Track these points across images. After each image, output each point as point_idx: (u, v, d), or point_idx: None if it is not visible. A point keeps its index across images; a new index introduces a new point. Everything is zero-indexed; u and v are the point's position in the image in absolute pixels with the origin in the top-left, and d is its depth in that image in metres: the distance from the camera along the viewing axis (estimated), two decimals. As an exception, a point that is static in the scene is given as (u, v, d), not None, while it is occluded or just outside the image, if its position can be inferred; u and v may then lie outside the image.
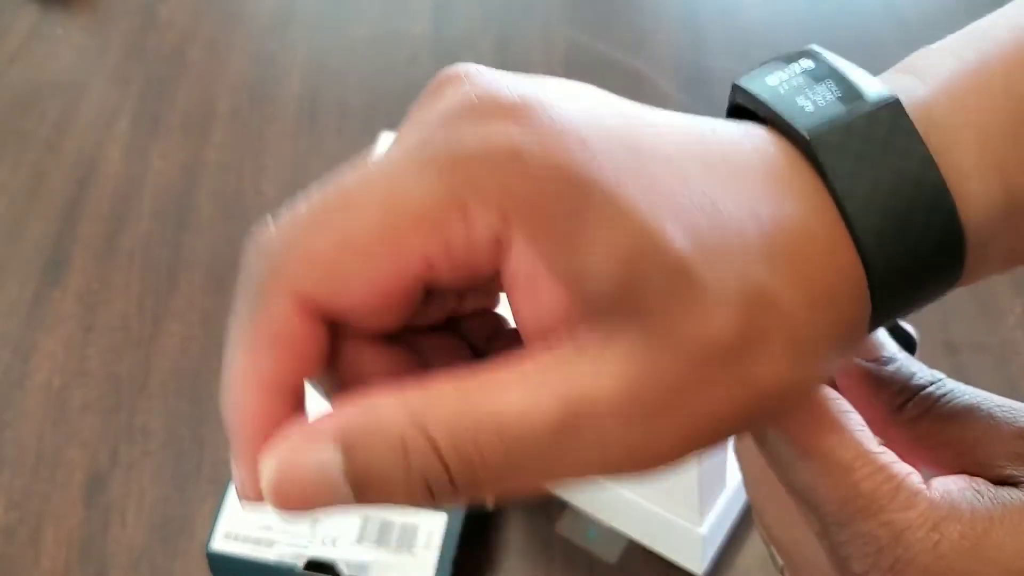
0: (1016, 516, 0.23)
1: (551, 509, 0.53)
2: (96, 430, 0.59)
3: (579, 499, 0.52)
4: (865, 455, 0.24)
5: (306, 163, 0.74)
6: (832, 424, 0.24)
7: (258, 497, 0.22)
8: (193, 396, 0.60)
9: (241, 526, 0.49)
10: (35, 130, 0.78)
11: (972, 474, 0.25)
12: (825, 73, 0.23)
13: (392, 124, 0.70)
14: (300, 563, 0.47)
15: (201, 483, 0.56)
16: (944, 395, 0.26)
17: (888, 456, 0.24)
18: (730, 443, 0.33)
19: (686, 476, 0.43)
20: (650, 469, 0.21)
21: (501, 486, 0.21)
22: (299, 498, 0.20)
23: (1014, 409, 0.26)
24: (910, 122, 0.22)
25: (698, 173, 0.21)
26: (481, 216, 0.20)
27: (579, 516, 0.52)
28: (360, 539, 0.48)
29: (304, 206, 0.22)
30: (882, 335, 0.28)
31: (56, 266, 0.68)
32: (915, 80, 0.24)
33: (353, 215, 0.21)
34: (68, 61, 0.85)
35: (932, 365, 0.56)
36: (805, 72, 0.23)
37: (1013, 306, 0.60)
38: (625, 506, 0.49)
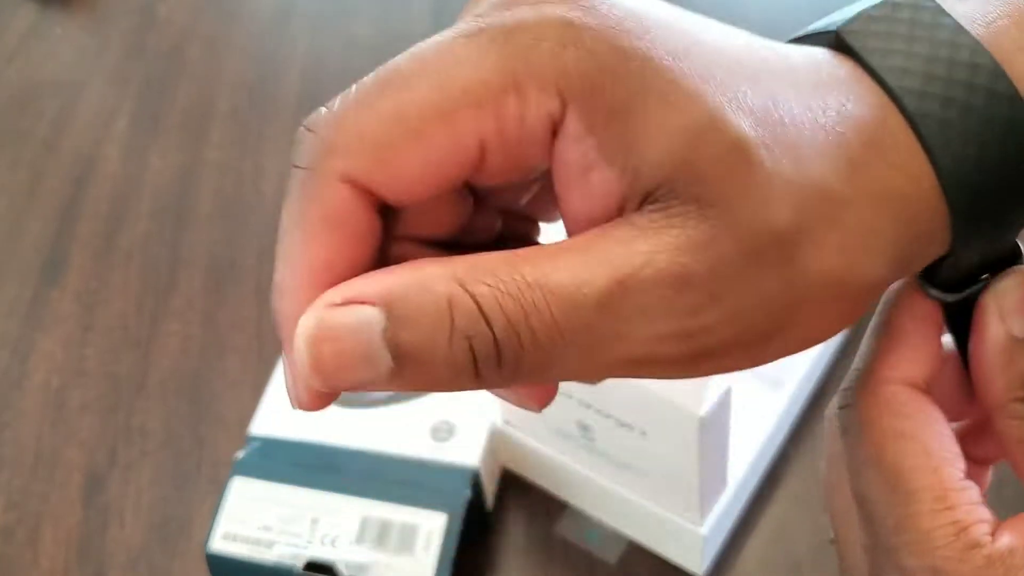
0: None
1: (551, 509, 0.53)
2: (95, 430, 0.59)
3: (579, 499, 0.52)
4: (936, 488, 0.23)
5: (305, 162, 0.74)
6: (916, 444, 0.23)
7: (309, 396, 0.21)
8: (192, 396, 0.60)
9: (240, 527, 0.49)
10: (33, 129, 0.78)
11: None
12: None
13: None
14: (299, 564, 0.47)
15: (200, 483, 0.56)
16: None
17: (964, 496, 0.23)
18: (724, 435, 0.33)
19: (687, 476, 0.43)
20: (698, 362, 0.20)
21: (545, 361, 0.19)
22: (336, 363, 0.19)
23: None
24: (950, 17, 0.22)
25: (761, 69, 0.21)
26: (537, 96, 0.20)
27: (579, 516, 0.52)
28: (359, 540, 0.47)
29: (356, 86, 0.20)
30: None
31: (54, 266, 0.68)
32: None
33: (406, 92, 0.20)
34: (66, 60, 0.85)
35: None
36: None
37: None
38: (625, 506, 0.49)
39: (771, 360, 0.22)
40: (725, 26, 0.22)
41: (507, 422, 0.51)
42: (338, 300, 0.19)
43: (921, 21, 0.22)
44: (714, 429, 0.40)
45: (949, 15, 0.22)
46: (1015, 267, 0.23)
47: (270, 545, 0.48)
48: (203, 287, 0.66)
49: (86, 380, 0.62)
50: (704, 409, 0.38)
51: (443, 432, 0.50)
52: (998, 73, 0.21)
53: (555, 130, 0.20)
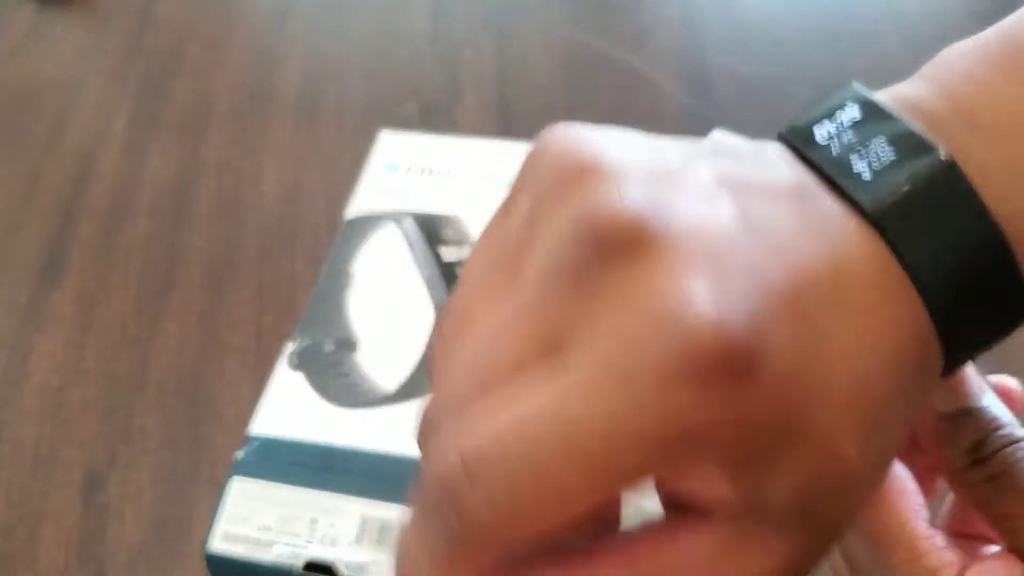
0: None
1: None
2: (94, 429, 0.59)
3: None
4: (907, 541, 0.25)
5: (305, 162, 0.74)
6: (885, 507, 0.26)
7: None
8: (191, 396, 0.60)
9: (239, 527, 0.49)
10: (32, 128, 0.78)
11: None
12: (874, 126, 0.23)
13: (391, 123, 0.70)
14: (299, 564, 0.47)
15: (200, 483, 0.56)
16: (1021, 459, 0.25)
17: (931, 543, 0.25)
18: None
19: None
20: None
21: None
22: None
23: None
24: (967, 184, 0.22)
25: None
26: (694, 472, 0.20)
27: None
28: (359, 540, 0.47)
29: (506, 435, 0.19)
30: (970, 378, 0.27)
31: (53, 266, 0.68)
32: (956, 118, 0.23)
33: (562, 469, 0.19)
34: (65, 59, 0.85)
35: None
36: (854, 125, 0.23)
37: None
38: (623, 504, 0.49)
39: None
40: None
41: None
42: None
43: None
44: None
45: (970, 190, 0.22)
46: None
47: (269, 545, 0.48)
48: (202, 287, 0.66)
49: (85, 379, 0.62)
50: None
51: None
52: (996, 236, 0.22)
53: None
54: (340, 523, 0.48)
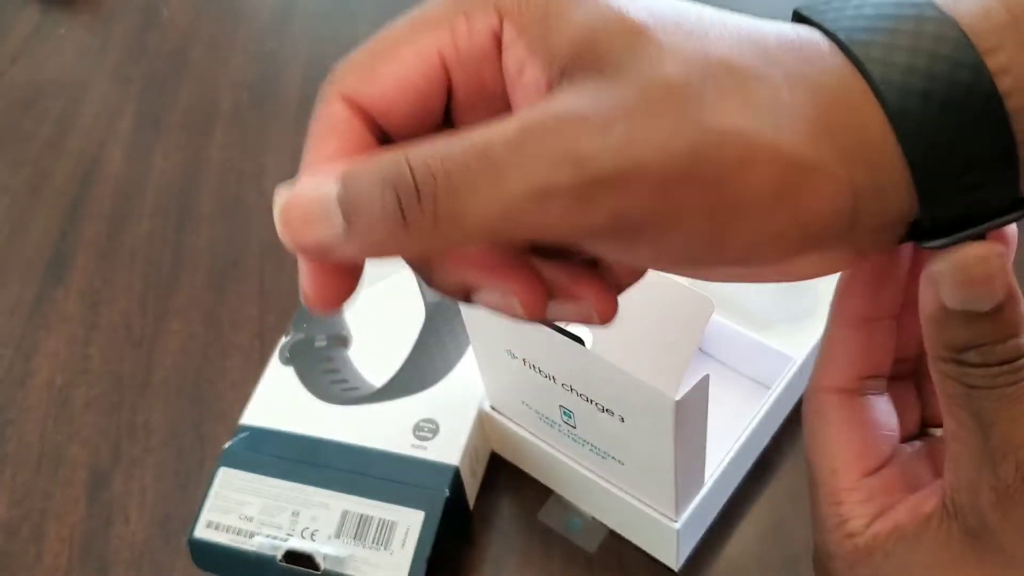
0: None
1: (537, 495, 0.53)
2: (98, 427, 0.59)
3: (562, 487, 0.53)
4: (830, 485, 0.29)
5: (306, 162, 0.74)
6: (823, 447, 0.30)
7: (309, 283, 0.25)
8: (194, 394, 0.61)
9: (223, 516, 0.50)
10: (37, 129, 0.79)
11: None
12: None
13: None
14: (279, 554, 0.48)
15: (202, 480, 0.56)
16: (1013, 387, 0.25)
17: (852, 495, 0.29)
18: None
19: (663, 465, 0.43)
20: (594, 195, 0.22)
21: (458, 200, 0.22)
22: (299, 221, 0.23)
23: None
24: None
25: (703, 14, 0.23)
26: (479, 14, 0.25)
27: (563, 504, 0.53)
28: (338, 534, 0.48)
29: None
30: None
31: (58, 265, 0.69)
32: None
33: (387, 31, 0.26)
34: (70, 60, 0.85)
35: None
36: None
37: None
38: (606, 497, 0.49)
39: (700, 245, 0.23)
40: None
41: (494, 407, 0.52)
42: (305, 176, 0.24)
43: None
44: (690, 415, 0.40)
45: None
46: (968, 245, 0.24)
47: (251, 535, 0.49)
48: (205, 286, 0.67)
49: (90, 378, 0.62)
50: (680, 393, 0.38)
51: (426, 431, 0.51)
52: (963, 43, 0.22)
53: (499, 44, 0.25)
54: (321, 516, 0.49)
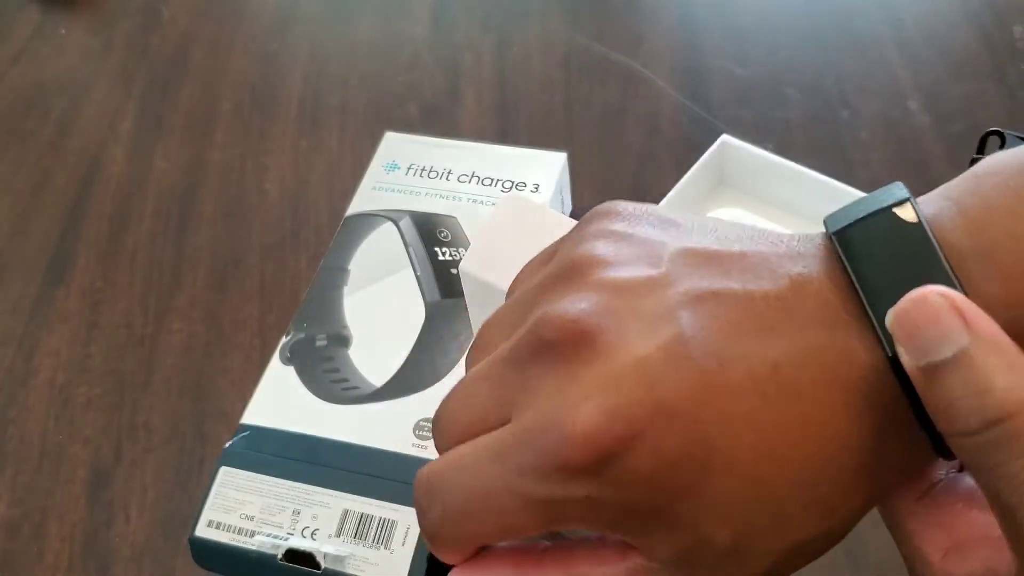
0: None
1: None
2: (99, 427, 0.60)
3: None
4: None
5: (308, 163, 0.74)
6: (910, 538, 0.27)
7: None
8: (195, 393, 0.61)
9: (223, 515, 0.50)
10: (38, 130, 0.79)
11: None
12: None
13: (393, 124, 0.71)
14: (279, 553, 0.48)
15: (203, 479, 0.57)
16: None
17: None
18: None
19: None
20: None
21: None
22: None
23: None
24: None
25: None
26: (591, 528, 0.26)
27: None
28: (339, 533, 0.48)
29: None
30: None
31: (60, 265, 0.69)
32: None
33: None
34: (71, 61, 0.85)
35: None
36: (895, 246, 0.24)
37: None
38: None
39: None
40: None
41: None
42: None
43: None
44: None
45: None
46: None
47: (251, 534, 0.49)
48: (206, 285, 0.67)
49: (91, 377, 0.62)
50: None
51: (427, 430, 0.51)
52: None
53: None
54: (321, 515, 0.49)
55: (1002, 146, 0.66)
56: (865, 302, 0.24)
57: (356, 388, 0.54)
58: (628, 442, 0.23)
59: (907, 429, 0.24)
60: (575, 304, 0.25)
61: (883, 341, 0.23)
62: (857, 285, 0.24)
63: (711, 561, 0.24)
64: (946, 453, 0.24)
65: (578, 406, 0.23)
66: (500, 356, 0.27)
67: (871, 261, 0.24)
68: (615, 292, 0.25)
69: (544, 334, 0.25)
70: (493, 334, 0.28)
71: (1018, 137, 0.67)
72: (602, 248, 0.26)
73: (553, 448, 0.24)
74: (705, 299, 0.25)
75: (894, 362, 0.23)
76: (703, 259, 0.26)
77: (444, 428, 0.28)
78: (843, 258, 0.24)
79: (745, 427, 0.24)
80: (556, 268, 0.27)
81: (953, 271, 0.23)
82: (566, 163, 0.63)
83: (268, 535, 0.49)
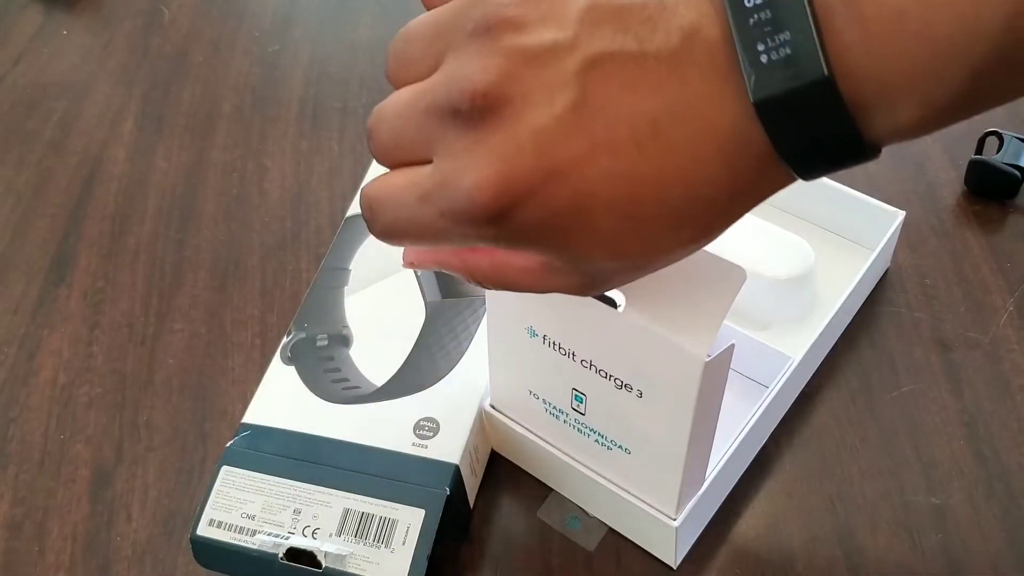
0: None
1: (537, 492, 0.53)
2: (101, 426, 0.60)
3: (562, 486, 0.53)
4: None
5: (308, 163, 0.75)
6: None
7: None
8: (197, 392, 0.61)
9: (225, 515, 0.50)
10: (40, 130, 0.79)
11: None
12: (787, 19, 0.26)
13: (393, 125, 0.71)
14: (280, 552, 0.48)
15: (205, 479, 0.57)
16: None
17: None
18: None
19: (674, 449, 0.43)
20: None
21: None
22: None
23: None
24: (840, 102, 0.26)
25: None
26: None
27: (562, 502, 0.53)
28: (340, 532, 0.49)
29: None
30: None
31: (61, 265, 0.69)
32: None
33: None
34: (73, 62, 0.86)
35: (924, 362, 0.56)
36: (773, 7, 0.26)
37: (1006, 304, 0.61)
38: (606, 495, 0.50)
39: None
40: None
41: (494, 406, 0.52)
42: None
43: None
44: (713, 385, 0.40)
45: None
46: None
47: (253, 533, 0.49)
48: (208, 286, 0.67)
49: (92, 377, 0.62)
50: (709, 354, 0.38)
51: (427, 430, 0.51)
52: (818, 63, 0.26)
53: None
54: (322, 514, 0.49)
55: (1000, 146, 0.67)
56: (738, 48, 0.26)
57: (356, 388, 0.54)
58: (521, 199, 0.28)
59: (769, 163, 0.28)
60: (486, 75, 0.28)
61: (747, 85, 0.26)
62: (733, 32, 0.26)
63: (596, 270, 0.31)
64: (805, 176, 0.28)
65: (481, 169, 0.28)
66: (421, 106, 0.30)
67: (745, 10, 0.26)
68: (522, 61, 0.28)
69: (457, 103, 0.29)
70: (415, 51, 0.32)
71: (1017, 138, 0.67)
72: (513, 9, 0.29)
73: (463, 202, 0.29)
74: (603, 62, 0.28)
75: (758, 106, 0.26)
76: (607, 14, 0.28)
77: (378, 149, 0.33)
78: (727, 5, 0.27)
79: (624, 180, 0.28)
80: (470, 23, 0.30)
81: (813, 16, 0.25)
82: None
83: (269, 534, 0.49)
